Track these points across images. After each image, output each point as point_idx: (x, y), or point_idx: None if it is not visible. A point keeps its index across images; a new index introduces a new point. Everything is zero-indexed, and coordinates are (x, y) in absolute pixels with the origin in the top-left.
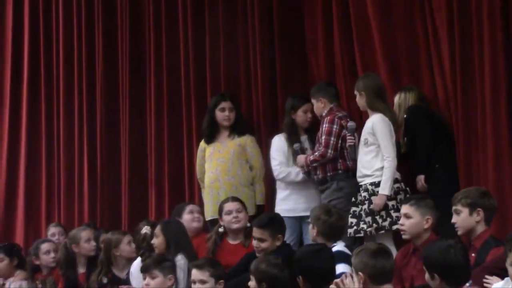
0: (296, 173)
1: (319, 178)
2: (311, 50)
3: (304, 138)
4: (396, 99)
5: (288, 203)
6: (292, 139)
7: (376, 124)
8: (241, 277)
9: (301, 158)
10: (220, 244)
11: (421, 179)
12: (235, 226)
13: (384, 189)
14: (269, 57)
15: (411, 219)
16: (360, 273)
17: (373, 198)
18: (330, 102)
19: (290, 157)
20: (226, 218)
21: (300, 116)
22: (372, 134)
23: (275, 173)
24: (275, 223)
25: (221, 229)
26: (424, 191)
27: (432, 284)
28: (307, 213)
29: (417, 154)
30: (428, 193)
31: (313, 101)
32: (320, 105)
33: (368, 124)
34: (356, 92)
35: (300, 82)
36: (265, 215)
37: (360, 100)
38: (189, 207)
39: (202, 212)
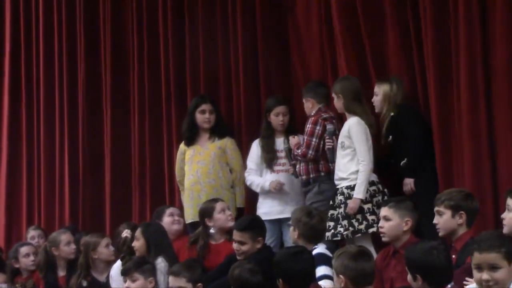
0: (257, 184)
1: (303, 180)
2: (295, 50)
3: (280, 140)
4: (385, 88)
5: (264, 207)
6: (264, 142)
7: (352, 128)
8: (223, 279)
9: (294, 140)
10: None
11: (410, 182)
12: (231, 223)
13: (358, 193)
14: (251, 58)
15: (390, 221)
16: (341, 276)
17: (348, 201)
18: (318, 102)
19: (263, 163)
20: (221, 217)
21: (273, 119)
22: (348, 137)
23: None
24: (255, 226)
25: (212, 230)
26: (410, 194)
27: (414, 285)
28: (283, 215)
29: (408, 158)
30: (416, 193)
31: (303, 100)
32: (308, 105)
33: (345, 127)
34: (333, 95)
35: (286, 83)
36: (245, 218)
37: (338, 103)
38: (169, 210)
39: (182, 215)
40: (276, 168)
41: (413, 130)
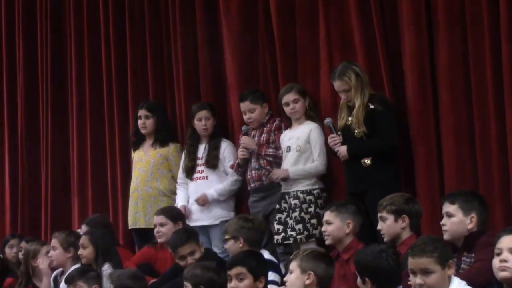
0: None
1: (266, 184)
2: (228, 52)
3: (202, 147)
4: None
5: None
6: (187, 149)
7: (313, 133)
8: (169, 284)
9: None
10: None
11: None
12: (159, 240)
13: (294, 172)
14: (193, 63)
15: (332, 224)
16: (311, 272)
17: (304, 205)
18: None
19: (184, 172)
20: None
21: (196, 124)
22: (307, 142)
23: None
24: (193, 233)
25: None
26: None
27: None
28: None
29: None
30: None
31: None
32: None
33: (305, 132)
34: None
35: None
36: (181, 232)
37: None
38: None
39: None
40: (195, 176)
41: (393, 125)
